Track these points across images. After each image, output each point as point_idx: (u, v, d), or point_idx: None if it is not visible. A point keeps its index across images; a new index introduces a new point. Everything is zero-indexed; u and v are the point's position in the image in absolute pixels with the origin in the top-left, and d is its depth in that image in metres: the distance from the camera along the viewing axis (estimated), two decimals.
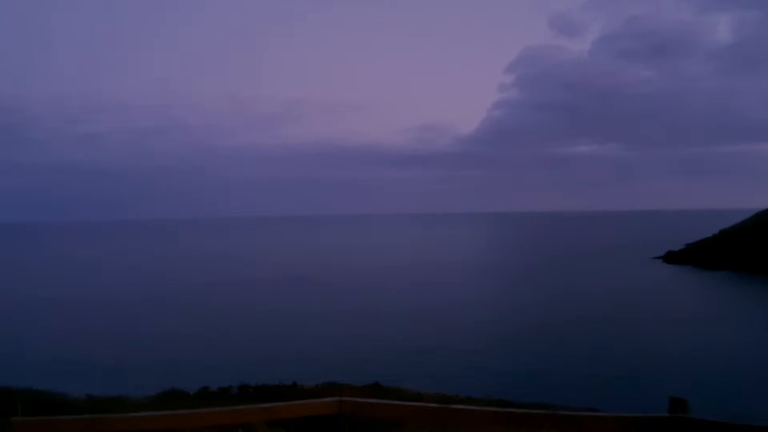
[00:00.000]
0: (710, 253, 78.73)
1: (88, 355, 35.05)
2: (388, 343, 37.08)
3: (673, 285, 64.72)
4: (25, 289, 67.03)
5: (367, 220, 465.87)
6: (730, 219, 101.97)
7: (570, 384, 27.93)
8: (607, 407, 21.22)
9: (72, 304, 54.74)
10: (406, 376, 28.26)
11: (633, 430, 3.79)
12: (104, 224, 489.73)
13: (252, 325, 44.47)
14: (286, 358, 33.50)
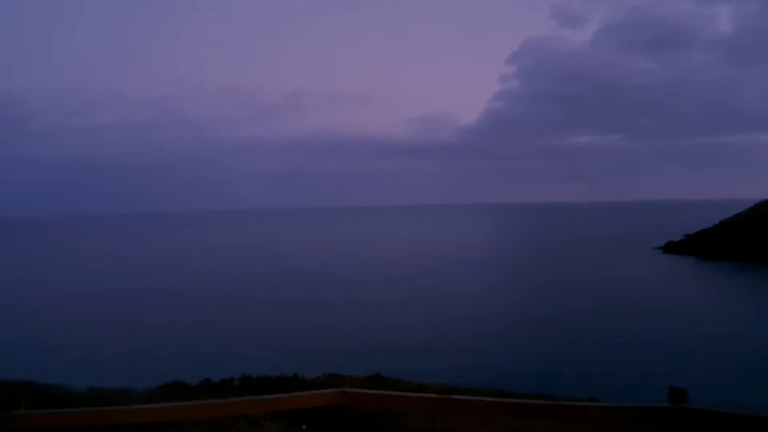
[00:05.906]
0: (710, 244, 78.73)
1: (90, 348, 35.19)
2: (389, 335, 37.18)
3: (673, 275, 64.74)
4: (26, 283, 67.19)
5: (367, 212, 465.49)
6: (730, 209, 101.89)
7: (570, 374, 28.04)
8: (607, 397, 21.32)
9: (73, 297, 54.84)
10: (407, 368, 28.33)
11: (633, 420, 3.81)
12: (105, 217, 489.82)
13: (253, 316, 44.56)
14: (288, 349, 33.62)
